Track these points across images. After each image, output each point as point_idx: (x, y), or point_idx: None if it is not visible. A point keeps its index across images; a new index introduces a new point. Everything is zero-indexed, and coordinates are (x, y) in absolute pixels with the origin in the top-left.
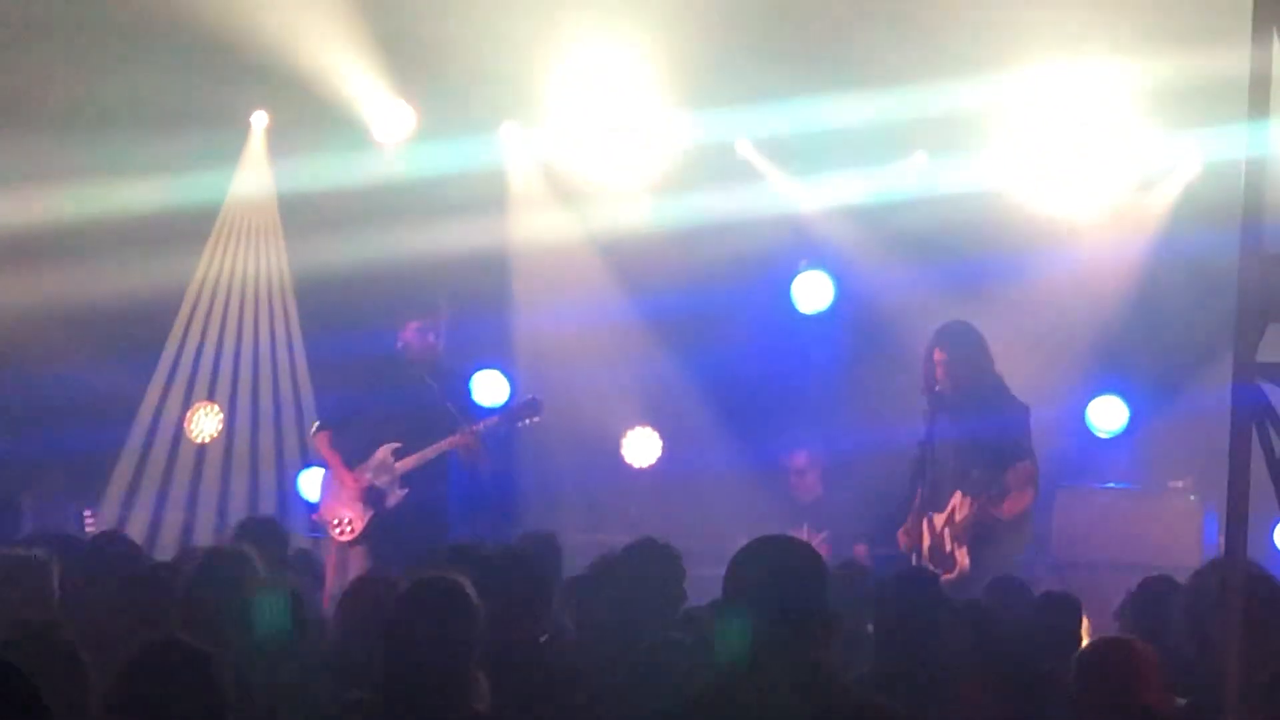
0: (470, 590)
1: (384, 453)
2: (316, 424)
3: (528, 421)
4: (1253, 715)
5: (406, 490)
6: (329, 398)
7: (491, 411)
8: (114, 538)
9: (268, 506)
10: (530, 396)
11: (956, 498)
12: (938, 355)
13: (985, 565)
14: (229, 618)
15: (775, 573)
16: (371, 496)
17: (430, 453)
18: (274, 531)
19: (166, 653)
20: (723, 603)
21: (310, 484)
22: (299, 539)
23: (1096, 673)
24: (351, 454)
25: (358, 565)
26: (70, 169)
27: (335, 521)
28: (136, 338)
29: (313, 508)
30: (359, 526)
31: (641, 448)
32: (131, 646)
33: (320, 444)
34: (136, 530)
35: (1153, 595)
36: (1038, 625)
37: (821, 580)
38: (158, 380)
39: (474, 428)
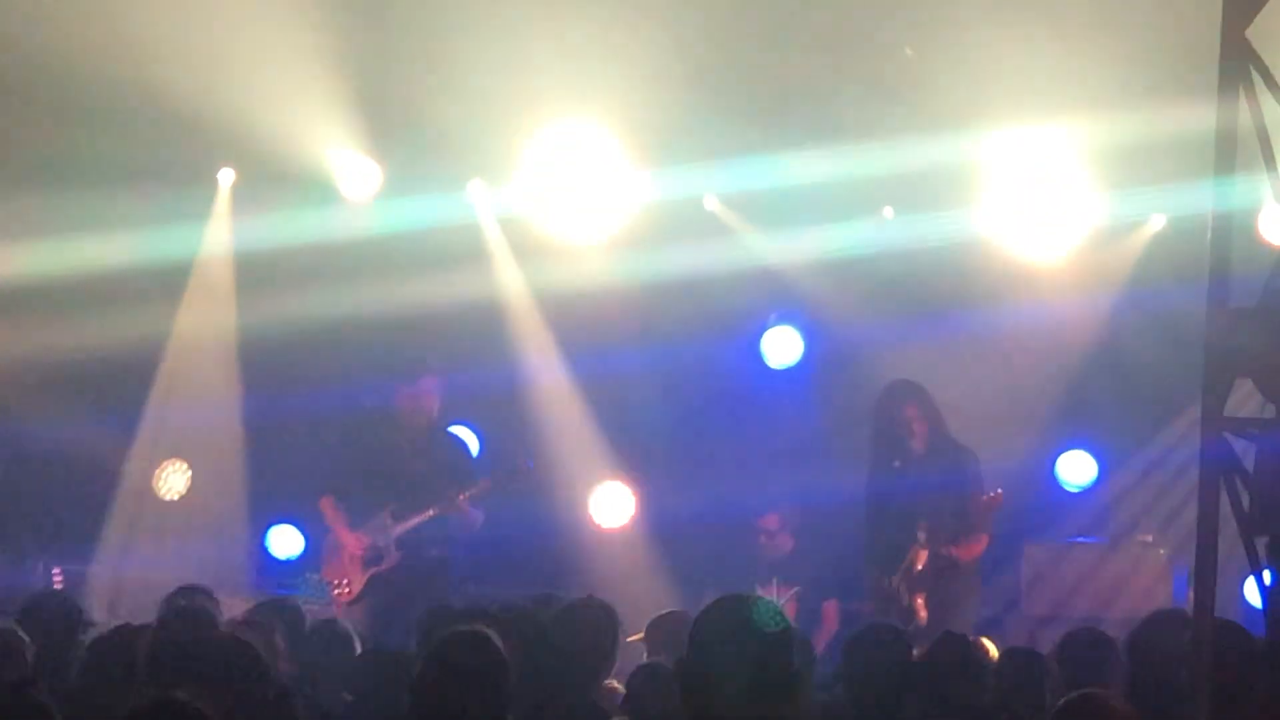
0: (498, 642)
1: (383, 515)
2: (321, 488)
3: (515, 487)
4: None
5: (403, 552)
6: (327, 461)
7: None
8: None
9: (236, 562)
10: (524, 463)
11: (914, 551)
12: (911, 412)
13: (941, 614)
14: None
15: (740, 631)
16: (370, 557)
17: (421, 518)
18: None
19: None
20: (687, 661)
21: (279, 541)
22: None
23: None
24: (354, 516)
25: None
26: (38, 225)
27: (335, 583)
28: (104, 394)
29: (294, 565)
30: (356, 588)
31: (610, 505)
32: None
33: (325, 507)
34: (101, 587)
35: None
36: (1002, 680)
37: (787, 638)
38: (126, 437)
39: (462, 496)
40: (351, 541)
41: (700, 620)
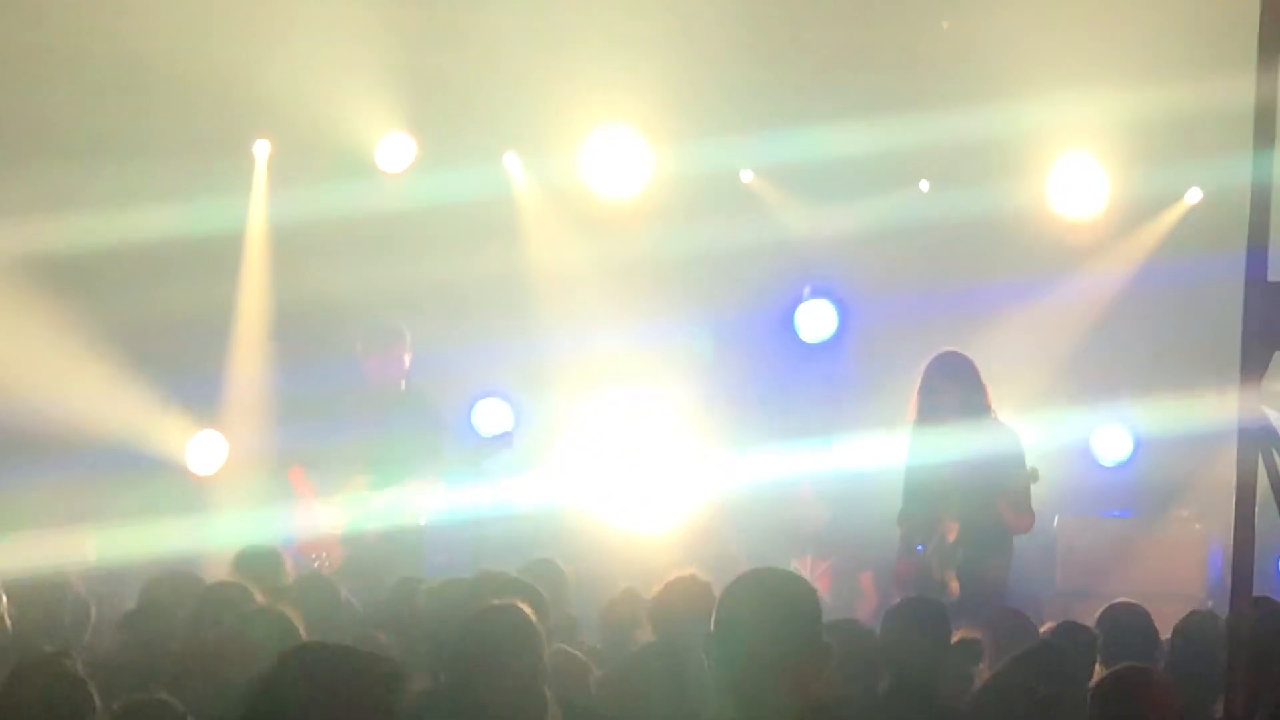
0: (531, 614)
1: (356, 485)
2: (291, 458)
3: (497, 456)
4: None
5: (379, 524)
6: (298, 430)
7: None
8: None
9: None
10: (502, 431)
11: (946, 524)
12: (945, 385)
13: (975, 589)
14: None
15: (768, 604)
16: (347, 529)
17: (399, 487)
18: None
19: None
20: (715, 634)
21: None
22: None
23: (1113, 701)
24: (325, 486)
25: None
26: (76, 198)
27: (315, 556)
28: (139, 366)
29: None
30: (336, 561)
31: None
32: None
33: (294, 478)
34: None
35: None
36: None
37: (814, 611)
38: (160, 409)
39: (437, 466)
40: (326, 513)
41: (728, 593)
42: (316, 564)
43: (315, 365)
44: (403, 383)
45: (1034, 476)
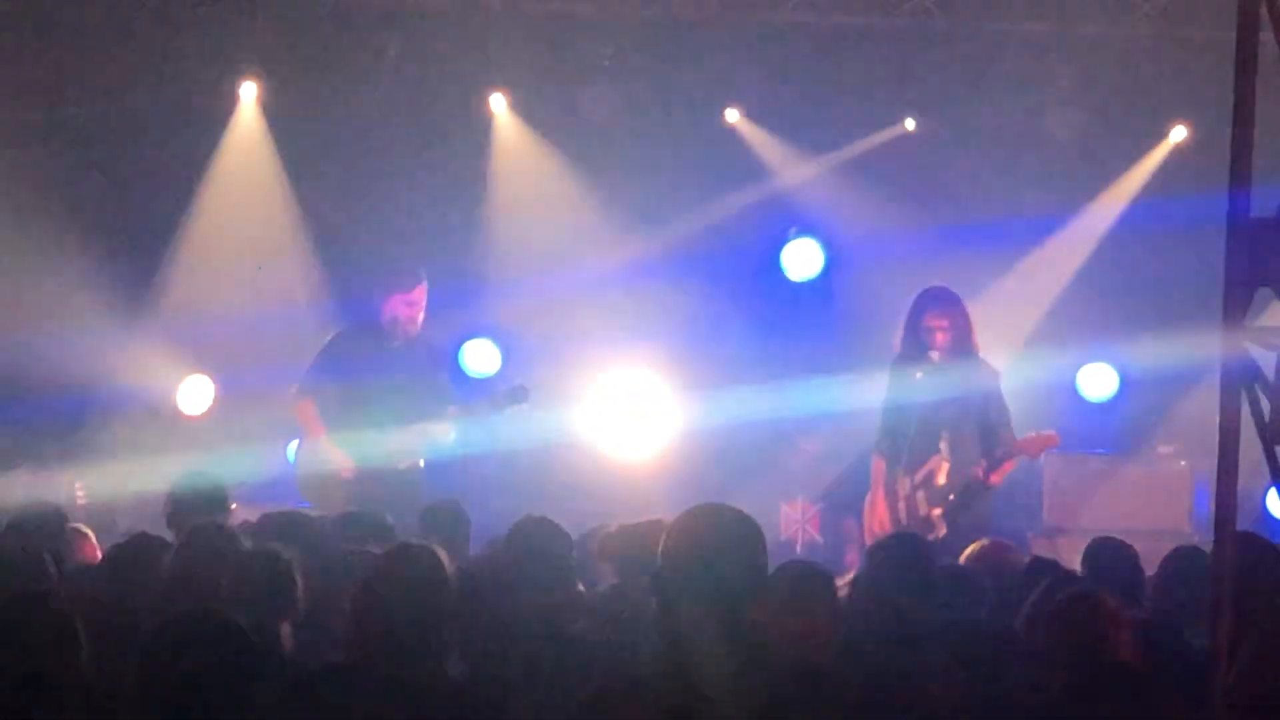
0: (442, 556)
1: (365, 425)
2: (296, 388)
3: (515, 409)
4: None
5: (383, 463)
6: (306, 364)
7: (478, 391)
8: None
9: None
10: (517, 384)
11: (935, 461)
12: (936, 321)
13: (961, 530)
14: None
15: (707, 537)
16: (357, 470)
17: (409, 430)
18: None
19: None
20: (660, 573)
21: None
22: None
23: (1063, 628)
24: (334, 424)
25: None
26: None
27: (322, 492)
28: (125, 305)
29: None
30: (339, 505)
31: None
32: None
33: (305, 412)
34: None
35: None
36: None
37: (757, 546)
38: (149, 350)
39: (451, 411)
40: (335, 452)
41: (670, 530)
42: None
43: (317, 303)
44: (417, 325)
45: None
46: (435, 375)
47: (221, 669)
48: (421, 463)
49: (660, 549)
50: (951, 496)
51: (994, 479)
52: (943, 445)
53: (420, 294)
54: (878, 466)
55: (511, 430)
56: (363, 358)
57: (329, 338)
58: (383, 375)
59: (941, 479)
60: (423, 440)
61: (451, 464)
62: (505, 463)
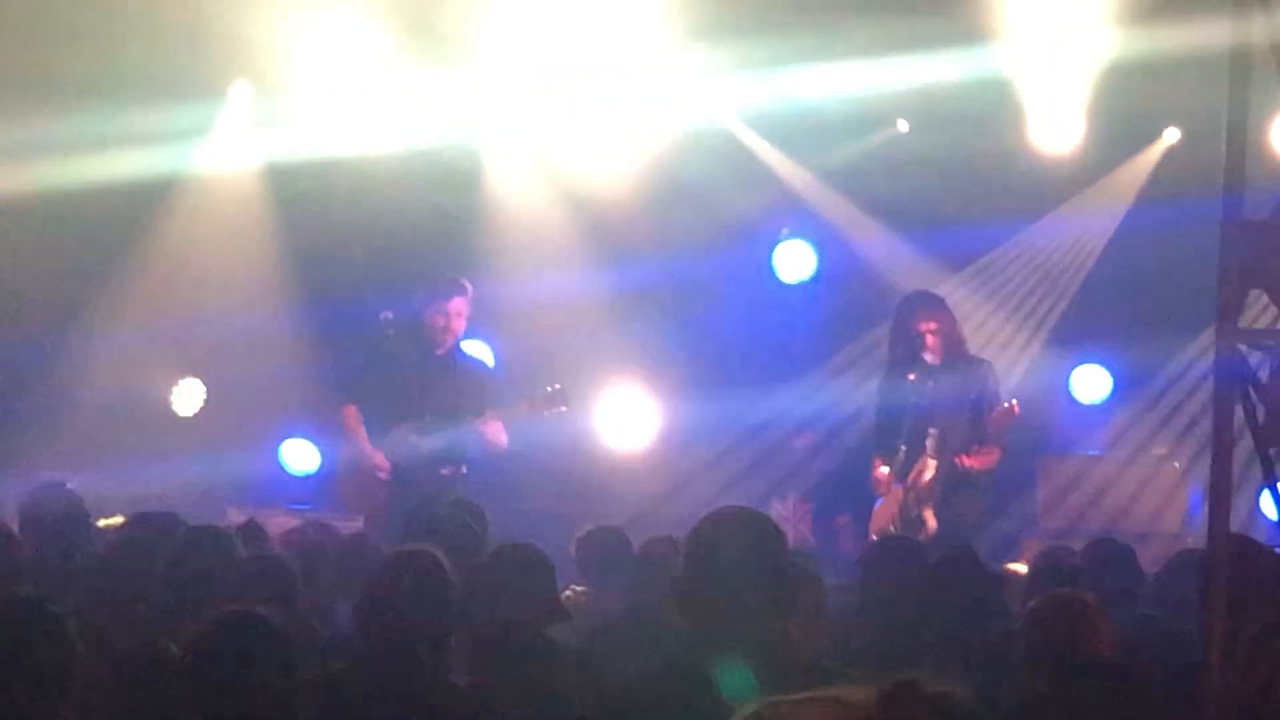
0: (445, 561)
1: (404, 430)
2: (344, 397)
3: (554, 412)
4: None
5: (427, 468)
6: (344, 370)
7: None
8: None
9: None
10: (556, 387)
11: (923, 461)
12: (926, 325)
13: (950, 526)
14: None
15: (734, 544)
16: (396, 474)
17: (450, 436)
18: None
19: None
20: (683, 575)
21: (293, 454)
22: (278, 511)
23: (1045, 626)
24: (375, 429)
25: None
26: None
27: (363, 498)
28: (119, 310)
29: (320, 480)
30: (383, 506)
31: (627, 425)
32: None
33: (349, 417)
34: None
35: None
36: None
37: (780, 549)
38: (142, 352)
39: (495, 416)
40: (377, 456)
41: (694, 533)
42: (364, 509)
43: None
44: (456, 335)
45: (1013, 412)
46: (481, 383)
47: (267, 670)
48: (464, 468)
49: (684, 550)
50: (937, 489)
51: (968, 462)
52: (929, 444)
53: (460, 304)
54: (879, 472)
55: (548, 433)
56: (407, 363)
57: (372, 342)
58: (426, 380)
59: (928, 476)
60: (475, 439)
61: (488, 465)
62: (532, 466)
